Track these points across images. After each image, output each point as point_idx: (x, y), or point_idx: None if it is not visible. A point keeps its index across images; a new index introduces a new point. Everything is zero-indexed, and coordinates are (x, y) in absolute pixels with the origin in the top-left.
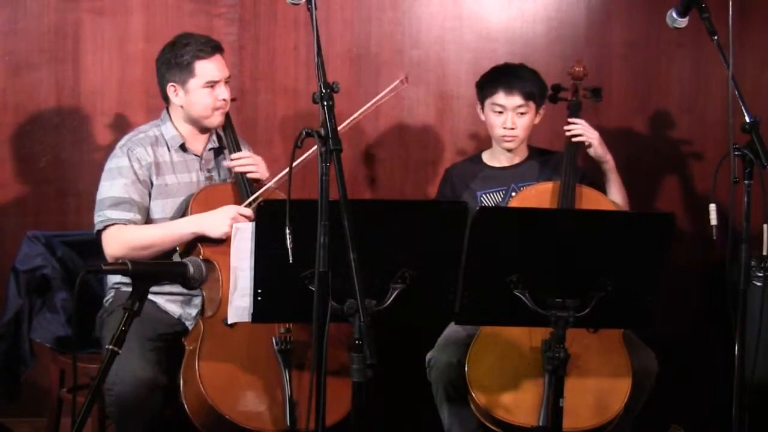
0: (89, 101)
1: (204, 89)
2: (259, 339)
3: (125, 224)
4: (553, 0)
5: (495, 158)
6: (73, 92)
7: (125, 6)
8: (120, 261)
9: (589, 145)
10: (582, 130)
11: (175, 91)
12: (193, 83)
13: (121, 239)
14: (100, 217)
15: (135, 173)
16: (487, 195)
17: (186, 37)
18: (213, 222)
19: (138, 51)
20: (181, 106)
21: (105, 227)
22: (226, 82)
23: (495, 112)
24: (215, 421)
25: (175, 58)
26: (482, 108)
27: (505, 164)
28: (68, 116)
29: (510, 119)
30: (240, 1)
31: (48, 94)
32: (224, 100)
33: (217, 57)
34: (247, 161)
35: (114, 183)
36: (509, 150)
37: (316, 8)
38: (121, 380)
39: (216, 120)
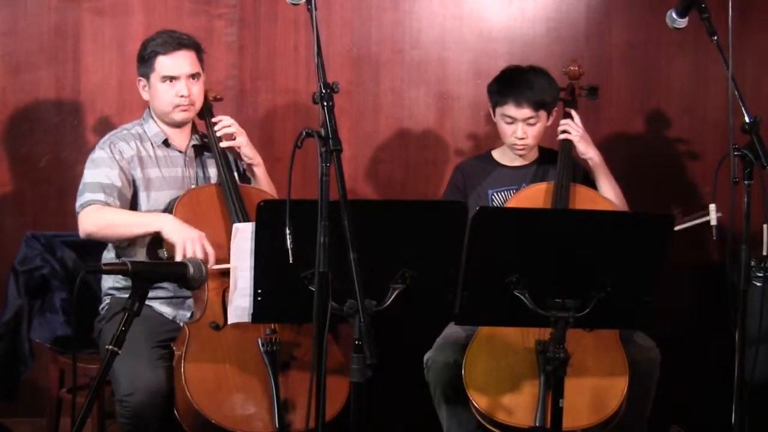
0: (89, 101)
1: (163, 84)
2: (245, 341)
3: (102, 205)
4: (553, 0)
5: (506, 157)
6: (73, 92)
7: (125, 6)
8: (120, 261)
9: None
10: (566, 126)
11: (143, 86)
12: (153, 78)
13: (94, 217)
14: (80, 200)
15: (117, 163)
16: (499, 194)
17: (159, 33)
18: (184, 232)
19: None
20: (149, 102)
21: (83, 208)
22: (193, 78)
23: (505, 122)
24: (203, 426)
25: (142, 52)
26: (494, 113)
27: (517, 164)
28: (68, 116)
29: (520, 129)
30: (240, 2)
31: (48, 93)
32: (183, 96)
33: (181, 53)
34: (228, 122)
35: (97, 171)
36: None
37: (316, 8)
38: (135, 391)
39: (177, 116)
